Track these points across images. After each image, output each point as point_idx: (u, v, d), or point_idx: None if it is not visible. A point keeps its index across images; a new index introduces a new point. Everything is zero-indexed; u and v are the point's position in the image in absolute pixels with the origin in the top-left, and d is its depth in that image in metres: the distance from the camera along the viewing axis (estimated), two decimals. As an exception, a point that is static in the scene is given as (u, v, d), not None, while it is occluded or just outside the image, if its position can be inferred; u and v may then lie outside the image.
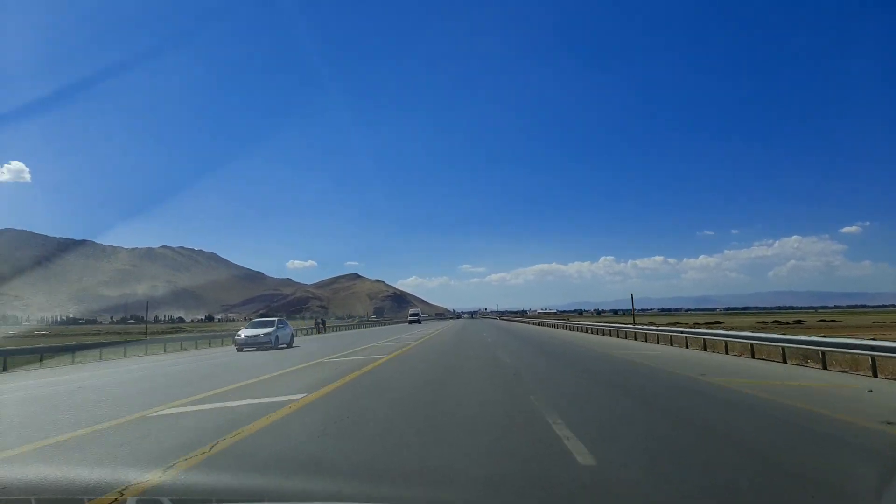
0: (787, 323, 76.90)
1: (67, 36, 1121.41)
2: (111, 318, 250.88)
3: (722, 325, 57.97)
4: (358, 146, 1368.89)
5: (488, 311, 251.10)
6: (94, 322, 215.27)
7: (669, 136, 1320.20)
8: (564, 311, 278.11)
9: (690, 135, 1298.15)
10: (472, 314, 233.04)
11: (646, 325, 34.12)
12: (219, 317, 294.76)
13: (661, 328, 29.92)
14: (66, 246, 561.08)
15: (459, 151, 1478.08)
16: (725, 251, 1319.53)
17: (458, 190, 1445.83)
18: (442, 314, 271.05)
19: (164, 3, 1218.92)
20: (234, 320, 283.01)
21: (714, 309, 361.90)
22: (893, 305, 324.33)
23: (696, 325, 45.23)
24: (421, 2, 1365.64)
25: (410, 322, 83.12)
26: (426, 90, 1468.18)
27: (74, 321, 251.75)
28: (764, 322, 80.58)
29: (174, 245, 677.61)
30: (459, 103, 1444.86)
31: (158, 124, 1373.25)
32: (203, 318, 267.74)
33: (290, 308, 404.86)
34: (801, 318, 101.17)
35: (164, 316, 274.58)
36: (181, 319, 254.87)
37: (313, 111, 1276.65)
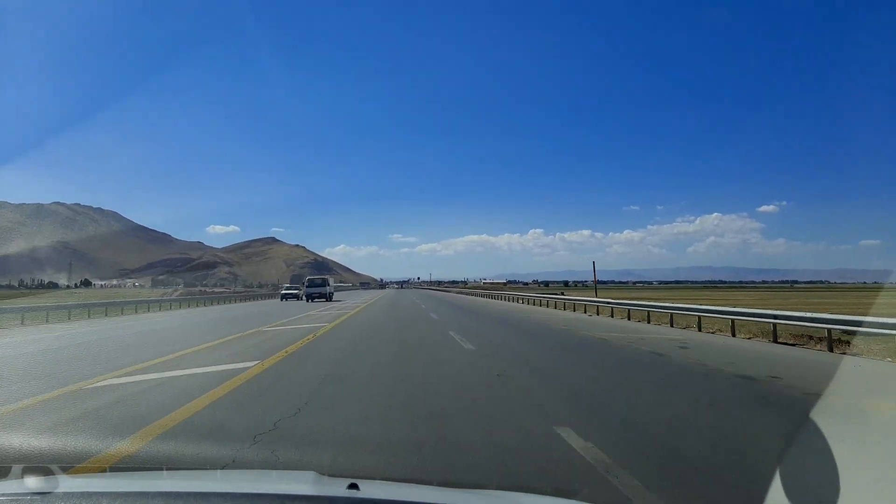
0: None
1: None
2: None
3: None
4: (288, 105, 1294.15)
5: (420, 280, 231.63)
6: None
7: (599, 110, 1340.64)
8: (514, 282, 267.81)
9: (619, 110, 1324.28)
10: (402, 284, 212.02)
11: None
12: (103, 283, 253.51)
13: None
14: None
15: (394, 118, 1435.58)
16: (649, 226, 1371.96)
17: (390, 158, 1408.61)
18: (367, 283, 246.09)
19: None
20: (123, 286, 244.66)
21: (650, 282, 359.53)
22: (815, 282, 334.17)
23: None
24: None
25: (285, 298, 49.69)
26: (363, 50, 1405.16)
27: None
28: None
29: (68, 202, 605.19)
30: (396, 69, 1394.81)
31: (52, 54, 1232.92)
32: (78, 283, 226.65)
33: (194, 273, 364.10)
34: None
35: (31, 280, 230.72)
36: (53, 284, 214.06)
37: (239, 62, 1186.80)
